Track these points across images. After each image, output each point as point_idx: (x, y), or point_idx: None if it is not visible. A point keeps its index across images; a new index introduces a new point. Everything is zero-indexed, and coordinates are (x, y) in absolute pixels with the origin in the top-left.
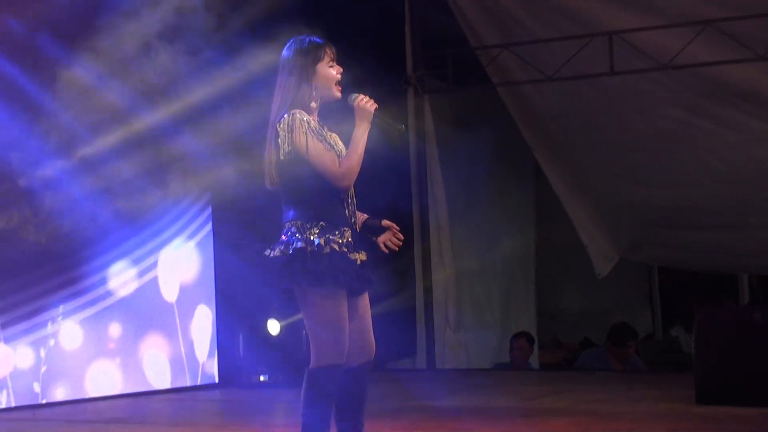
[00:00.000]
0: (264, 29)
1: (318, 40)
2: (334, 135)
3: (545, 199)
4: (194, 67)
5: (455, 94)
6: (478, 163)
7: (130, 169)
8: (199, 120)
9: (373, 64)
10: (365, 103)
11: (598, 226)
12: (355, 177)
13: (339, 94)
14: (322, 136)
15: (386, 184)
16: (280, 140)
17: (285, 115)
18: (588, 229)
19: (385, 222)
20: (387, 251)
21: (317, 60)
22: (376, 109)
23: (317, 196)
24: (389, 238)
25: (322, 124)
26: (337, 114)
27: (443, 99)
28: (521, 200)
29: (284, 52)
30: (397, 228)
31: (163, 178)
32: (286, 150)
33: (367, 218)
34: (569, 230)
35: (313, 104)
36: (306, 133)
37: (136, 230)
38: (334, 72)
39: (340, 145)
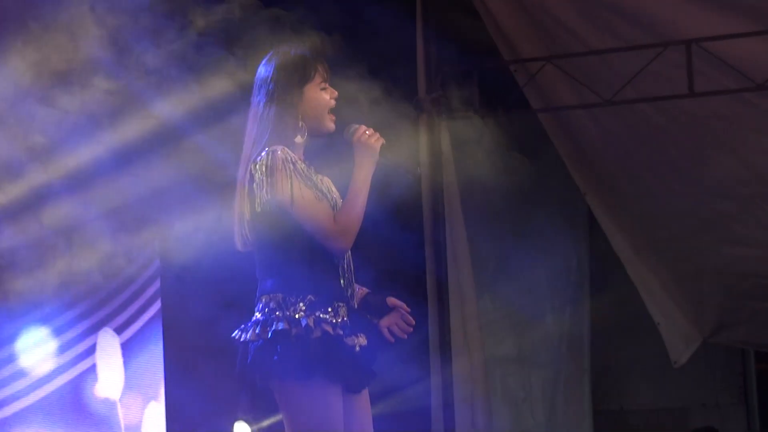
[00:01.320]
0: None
1: (306, 53)
2: (326, 179)
3: (602, 261)
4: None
5: (482, 121)
6: (512, 211)
7: (53, 221)
8: (138, 159)
9: (376, 83)
10: (368, 137)
11: (674, 298)
12: (355, 236)
13: (332, 126)
14: (311, 180)
15: (391, 240)
16: (255, 186)
17: (263, 153)
18: (660, 301)
19: (391, 300)
20: (393, 339)
21: (305, 80)
22: (382, 146)
23: (304, 261)
24: (396, 322)
25: (310, 164)
26: (328, 150)
27: (467, 127)
28: (570, 261)
29: (261, 69)
30: (407, 308)
31: (98, 236)
32: (264, 199)
33: (367, 293)
34: (635, 302)
35: (299, 139)
36: (291, 177)
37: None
38: (327, 96)
39: (335, 192)
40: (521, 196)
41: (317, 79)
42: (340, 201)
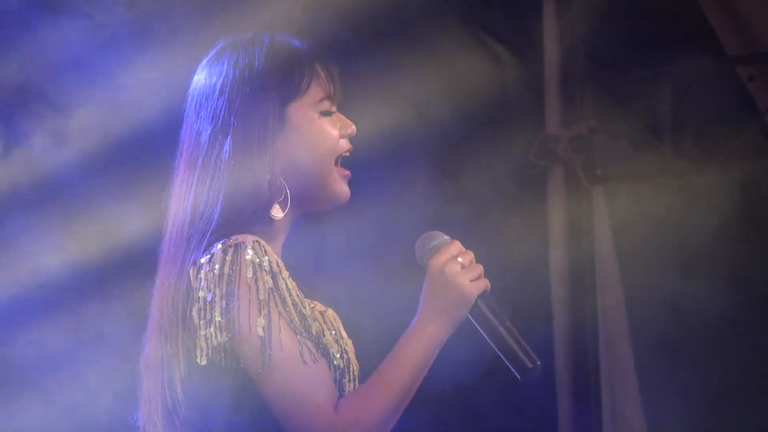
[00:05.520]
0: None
1: (294, 43)
2: (329, 312)
3: None
4: None
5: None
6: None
7: None
8: None
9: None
10: (464, 273)
11: None
12: None
13: (345, 189)
14: (301, 314)
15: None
16: (197, 314)
17: (215, 248)
18: None
19: None
20: None
21: (289, 93)
22: (484, 293)
23: None
24: None
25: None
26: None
27: (648, 197)
28: None
29: (202, 74)
30: None
31: None
32: (215, 343)
33: None
34: None
35: (277, 212)
36: (268, 304)
37: None
38: (334, 131)
39: (346, 343)
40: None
41: (314, 93)
42: (355, 365)
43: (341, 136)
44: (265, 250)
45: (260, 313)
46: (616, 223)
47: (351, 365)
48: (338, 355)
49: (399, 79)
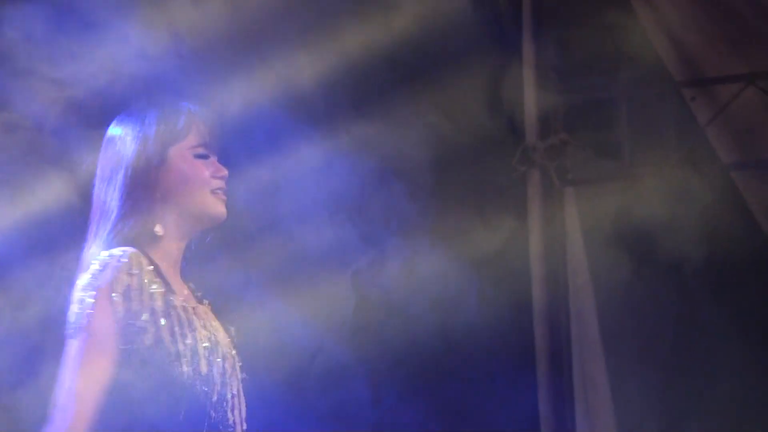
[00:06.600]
0: None
1: (184, 104)
2: (219, 328)
3: None
4: None
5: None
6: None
7: None
8: None
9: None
10: None
11: None
12: None
13: (222, 210)
14: (169, 314)
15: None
16: (69, 313)
17: (100, 258)
18: None
19: None
20: None
21: (172, 137)
22: None
23: None
24: None
25: (196, 289)
26: None
27: (609, 197)
28: None
29: (113, 124)
30: None
31: None
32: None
33: None
34: None
35: (158, 229)
36: (114, 315)
37: None
38: (206, 171)
39: (223, 353)
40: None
41: (191, 138)
42: (234, 387)
43: (213, 176)
44: (140, 261)
45: (108, 317)
46: (582, 218)
47: (229, 381)
48: (204, 374)
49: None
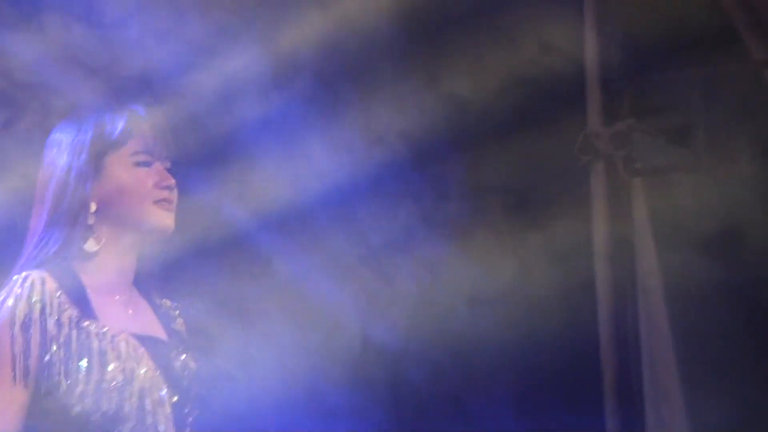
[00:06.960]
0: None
1: (130, 107)
2: (143, 358)
3: None
4: None
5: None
6: None
7: None
8: None
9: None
10: None
11: None
12: None
13: (167, 223)
14: (70, 345)
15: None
16: None
17: (14, 278)
18: None
19: None
20: None
21: (109, 146)
22: None
23: None
24: None
25: (179, 306)
26: None
27: (683, 189)
28: None
29: (49, 138)
30: None
31: None
32: None
33: None
34: None
35: (90, 245)
36: (14, 347)
37: None
38: (149, 180)
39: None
40: None
41: (133, 145)
42: (161, 425)
43: (156, 186)
44: (49, 285)
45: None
46: (653, 212)
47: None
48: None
49: (443, 73)
